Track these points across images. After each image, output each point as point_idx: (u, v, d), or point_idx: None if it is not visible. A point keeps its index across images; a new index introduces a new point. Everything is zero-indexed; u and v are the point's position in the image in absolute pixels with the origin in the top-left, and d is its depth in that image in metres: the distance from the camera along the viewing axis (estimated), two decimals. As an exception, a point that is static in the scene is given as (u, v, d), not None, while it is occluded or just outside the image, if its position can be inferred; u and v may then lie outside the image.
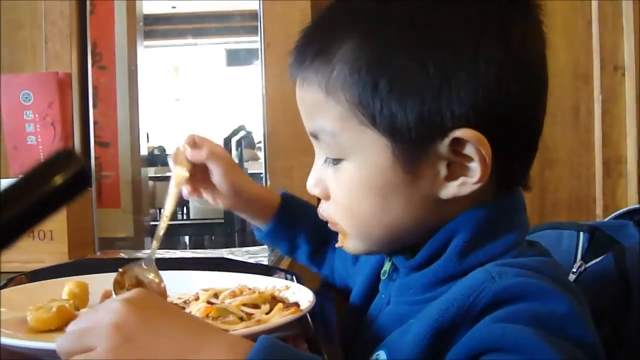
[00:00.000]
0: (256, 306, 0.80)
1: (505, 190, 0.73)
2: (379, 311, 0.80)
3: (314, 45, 0.72)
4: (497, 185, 0.72)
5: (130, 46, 1.82)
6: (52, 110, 1.53)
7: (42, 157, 1.55)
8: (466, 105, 0.67)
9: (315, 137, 0.75)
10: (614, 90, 1.79)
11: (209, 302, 0.83)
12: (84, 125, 1.76)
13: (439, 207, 0.72)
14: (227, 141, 5.66)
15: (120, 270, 0.89)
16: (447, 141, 0.68)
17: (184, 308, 0.91)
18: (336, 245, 0.81)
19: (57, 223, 1.45)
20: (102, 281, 0.97)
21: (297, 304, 0.82)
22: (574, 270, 1.10)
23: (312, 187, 0.78)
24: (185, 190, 1.01)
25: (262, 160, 1.73)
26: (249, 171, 1.91)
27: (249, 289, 0.88)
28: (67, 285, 0.93)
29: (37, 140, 1.54)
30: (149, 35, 2.04)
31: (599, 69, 1.79)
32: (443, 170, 0.69)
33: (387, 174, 0.70)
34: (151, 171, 2.13)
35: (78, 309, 0.90)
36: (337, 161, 0.73)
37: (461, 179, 0.69)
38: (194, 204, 6.45)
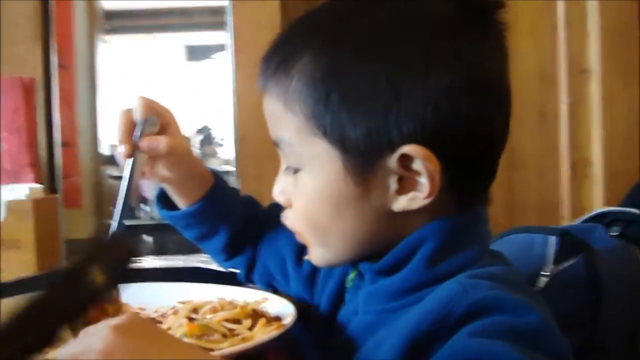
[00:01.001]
0: (237, 321, 0.80)
1: (465, 204, 0.74)
2: (348, 322, 0.81)
3: (277, 57, 0.74)
4: (457, 200, 0.73)
5: (90, 43, 1.79)
6: (18, 117, 1.50)
7: (8, 164, 1.52)
8: (415, 123, 0.68)
9: (277, 145, 0.77)
10: (580, 93, 1.82)
11: (189, 318, 0.82)
12: (48, 127, 1.73)
13: (394, 220, 0.73)
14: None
15: None
16: (395, 156, 0.69)
17: (160, 322, 0.90)
18: (305, 257, 0.84)
19: (24, 232, 1.43)
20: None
21: (279, 318, 0.81)
22: (546, 273, 1.11)
23: (277, 194, 0.80)
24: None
25: (232, 166, 1.71)
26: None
27: (230, 303, 0.88)
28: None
29: (3, 148, 1.51)
30: (109, 31, 2.01)
31: (565, 72, 1.81)
32: (394, 184, 0.71)
33: (339, 185, 0.72)
34: (112, 170, 2.11)
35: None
36: (295, 171, 0.75)
37: (412, 194, 0.70)
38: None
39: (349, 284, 0.84)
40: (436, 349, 0.63)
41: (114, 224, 0.87)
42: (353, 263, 0.81)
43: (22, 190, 1.47)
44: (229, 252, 1.06)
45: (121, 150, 0.91)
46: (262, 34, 1.64)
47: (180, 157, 0.97)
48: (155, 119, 0.94)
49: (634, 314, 1.05)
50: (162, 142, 0.93)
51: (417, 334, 0.65)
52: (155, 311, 0.96)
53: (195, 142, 5.63)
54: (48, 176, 1.73)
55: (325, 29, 0.72)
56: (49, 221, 1.49)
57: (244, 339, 0.74)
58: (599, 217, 1.22)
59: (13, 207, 1.43)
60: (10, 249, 1.43)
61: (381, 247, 0.75)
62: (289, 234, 1.01)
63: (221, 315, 0.79)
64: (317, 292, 0.95)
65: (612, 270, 1.05)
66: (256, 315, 0.81)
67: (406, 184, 0.70)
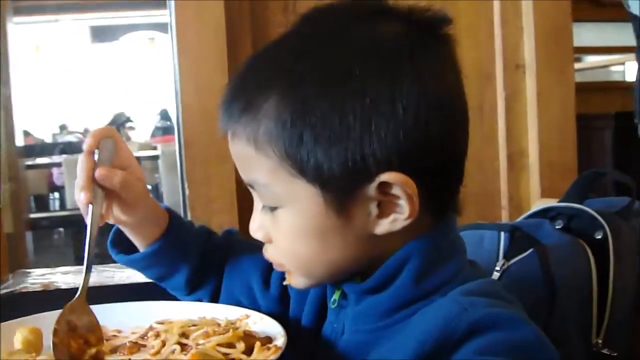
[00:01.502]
0: (230, 344, 0.80)
1: (440, 214, 0.77)
2: (335, 341, 0.83)
3: (239, 101, 0.74)
4: (432, 214, 0.76)
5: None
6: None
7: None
8: (388, 149, 0.70)
9: (251, 187, 0.78)
10: (515, 88, 1.88)
11: (180, 344, 0.82)
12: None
13: (376, 242, 0.75)
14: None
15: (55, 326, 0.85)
16: (374, 185, 0.71)
17: (144, 345, 0.90)
18: (284, 283, 0.85)
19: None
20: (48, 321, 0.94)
21: (269, 339, 0.82)
22: (497, 269, 1.15)
23: (255, 232, 0.81)
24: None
25: (179, 169, 1.69)
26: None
27: (213, 321, 0.88)
28: (19, 333, 0.89)
29: None
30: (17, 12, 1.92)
31: (501, 68, 1.87)
32: (374, 210, 0.73)
33: (321, 219, 0.73)
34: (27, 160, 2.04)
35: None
36: (273, 209, 0.76)
37: (392, 216, 0.73)
38: (71, 190, 6.16)
39: (333, 305, 0.85)
40: None
41: (85, 267, 0.88)
42: (335, 283, 0.84)
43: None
44: (191, 287, 1.04)
45: (81, 197, 0.89)
46: (207, 39, 1.61)
47: (135, 195, 0.94)
48: (112, 142, 0.92)
49: (585, 307, 1.10)
50: (117, 175, 0.90)
51: (420, 354, 0.67)
52: (133, 332, 0.96)
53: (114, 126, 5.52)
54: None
55: (285, 69, 0.73)
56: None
57: (245, 366, 0.75)
58: (544, 212, 1.27)
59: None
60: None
61: (363, 267, 0.78)
62: (251, 258, 1.02)
63: (215, 340, 0.80)
64: (293, 310, 0.95)
65: (563, 265, 1.09)
66: (248, 337, 0.81)
67: (385, 207, 0.73)
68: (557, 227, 1.21)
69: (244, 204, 1.66)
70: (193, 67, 1.62)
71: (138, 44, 9.41)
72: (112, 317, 0.98)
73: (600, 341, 1.10)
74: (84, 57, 9.18)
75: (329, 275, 0.79)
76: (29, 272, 1.53)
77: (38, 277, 1.31)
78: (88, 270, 0.89)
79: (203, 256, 1.03)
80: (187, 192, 1.65)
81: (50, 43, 8.73)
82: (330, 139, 0.69)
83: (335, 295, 0.84)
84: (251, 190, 0.79)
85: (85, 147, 0.90)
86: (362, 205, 0.72)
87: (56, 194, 7.60)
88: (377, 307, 0.77)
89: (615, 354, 1.09)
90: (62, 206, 7.14)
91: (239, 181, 1.65)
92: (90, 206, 0.89)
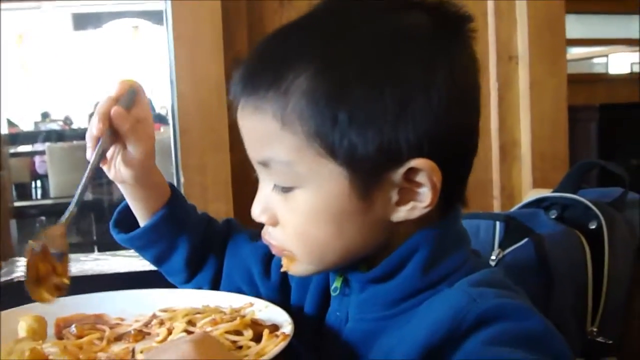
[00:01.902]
0: (238, 332, 0.81)
1: (448, 205, 0.77)
2: (339, 329, 0.82)
3: (266, 76, 0.72)
4: (443, 204, 0.76)
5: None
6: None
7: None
8: (421, 135, 0.70)
9: (265, 165, 0.75)
10: (508, 79, 1.89)
11: (187, 332, 0.82)
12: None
13: (389, 229, 0.75)
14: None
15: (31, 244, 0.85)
16: (401, 170, 0.71)
17: (148, 333, 0.90)
18: (281, 270, 0.82)
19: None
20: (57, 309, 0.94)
21: (276, 327, 0.83)
22: (493, 258, 1.16)
23: (259, 214, 0.78)
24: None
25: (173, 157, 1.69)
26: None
27: (222, 311, 0.88)
28: (22, 321, 0.89)
29: None
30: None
31: (494, 59, 1.88)
32: (395, 197, 0.72)
33: (342, 201, 0.72)
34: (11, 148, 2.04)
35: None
36: (288, 189, 0.74)
37: (411, 204, 0.73)
38: (55, 179, 6.07)
39: (334, 293, 0.84)
40: (449, 356, 0.67)
41: (74, 200, 0.88)
42: (338, 271, 0.83)
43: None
44: (190, 270, 1.04)
45: (94, 130, 0.89)
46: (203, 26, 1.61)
47: (141, 149, 0.94)
48: (134, 92, 0.93)
49: (580, 294, 1.12)
50: (129, 121, 0.91)
51: (430, 344, 0.68)
52: (136, 320, 0.96)
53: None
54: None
55: (320, 49, 0.72)
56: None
57: (258, 354, 0.75)
58: (537, 202, 1.28)
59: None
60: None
61: (370, 255, 0.77)
62: (251, 246, 1.02)
63: (223, 327, 0.80)
64: (295, 298, 0.95)
65: (559, 254, 1.10)
66: (255, 325, 0.82)
67: (405, 194, 0.73)
68: (551, 217, 1.22)
69: (239, 192, 1.66)
70: (188, 56, 1.62)
71: (122, 31, 9.33)
72: (114, 305, 0.98)
73: (595, 329, 1.11)
74: (67, 45, 9.09)
75: (338, 261, 0.77)
76: (18, 260, 1.53)
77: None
78: (77, 204, 0.88)
79: (203, 237, 1.03)
80: (182, 180, 1.65)
81: (33, 31, 8.65)
82: (367, 121, 0.69)
83: (337, 283, 0.84)
84: (261, 169, 0.77)
85: (112, 93, 0.92)
86: (385, 190, 0.72)
87: (38, 182, 7.54)
88: (384, 296, 0.77)
89: (610, 342, 1.10)
90: (45, 195, 7.10)
91: (234, 169, 1.68)
92: (99, 140, 0.89)
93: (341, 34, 0.72)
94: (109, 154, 0.93)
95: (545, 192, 1.29)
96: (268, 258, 1.00)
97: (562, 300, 1.09)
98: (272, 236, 0.79)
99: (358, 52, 0.71)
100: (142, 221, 1.01)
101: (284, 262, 0.80)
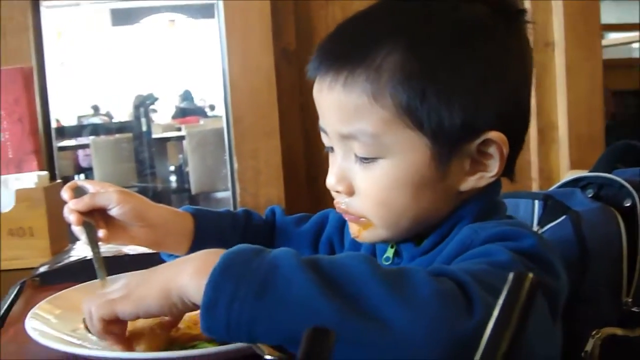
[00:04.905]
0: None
1: (496, 181, 0.84)
2: None
3: (356, 52, 0.79)
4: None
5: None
6: (19, 107, 1.54)
7: (10, 153, 1.56)
8: (497, 109, 0.78)
9: (348, 137, 0.81)
10: (545, 65, 1.94)
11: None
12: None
13: (455, 198, 0.82)
14: (137, 108, 5.51)
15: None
16: (478, 141, 0.78)
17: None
18: (352, 236, 0.87)
19: (37, 219, 1.47)
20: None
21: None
22: (532, 234, 1.22)
23: (335, 184, 0.83)
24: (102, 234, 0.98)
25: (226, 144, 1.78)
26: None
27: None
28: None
29: (4, 137, 1.55)
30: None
31: (531, 45, 1.93)
32: (467, 166, 0.80)
33: (423, 170, 0.79)
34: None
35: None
36: (370, 160, 0.80)
37: (479, 174, 0.80)
38: (99, 171, 6.17)
39: (387, 262, 0.89)
40: None
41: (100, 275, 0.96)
42: (400, 240, 0.87)
43: (30, 178, 1.51)
44: None
45: (71, 220, 0.97)
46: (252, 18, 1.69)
47: (128, 213, 0.98)
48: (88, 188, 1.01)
49: (615, 268, 1.17)
50: (110, 192, 0.98)
51: None
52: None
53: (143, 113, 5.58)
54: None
55: (410, 30, 0.79)
56: (57, 207, 1.54)
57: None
58: (574, 182, 1.33)
59: (23, 195, 1.48)
60: (24, 236, 1.48)
61: (435, 223, 0.83)
62: (298, 230, 1.08)
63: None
64: None
65: (595, 230, 1.15)
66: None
67: (474, 165, 0.80)
68: (588, 195, 1.27)
69: (289, 176, 1.75)
70: (239, 48, 1.70)
71: (158, 26, 9.44)
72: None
73: (630, 300, 1.16)
74: (105, 41, 9.23)
75: (411, 227, 0.83)
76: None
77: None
78: (102, 273, 0.97)
79: (243, 236, 1.06)
80: (235, 165, 1.73)
81: (73, 27, 8.79)
82: (453, 96, 0.76)
83: (389, 253, 0.89)
84: (339, 142, 0.82)
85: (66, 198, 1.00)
86: (461, 160, 0.79)
87: (82, 176, 7.71)
88: (425, 262, 0.83)
89: (644, 311, 1.16)
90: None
91: (284, 155, 1.75)
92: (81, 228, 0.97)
93: (427, 18, 0.80)
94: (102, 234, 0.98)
95: (582, 173, 1.34)
96: (315, 240, 1.06)
97: (597, 272, 1.13)
98: (349, 205, 0.84)
99: (443, 34, 0.79)
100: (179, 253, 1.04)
101: (355, 229, 0.85)
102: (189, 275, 0.68)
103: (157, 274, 0.72)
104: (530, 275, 0.40)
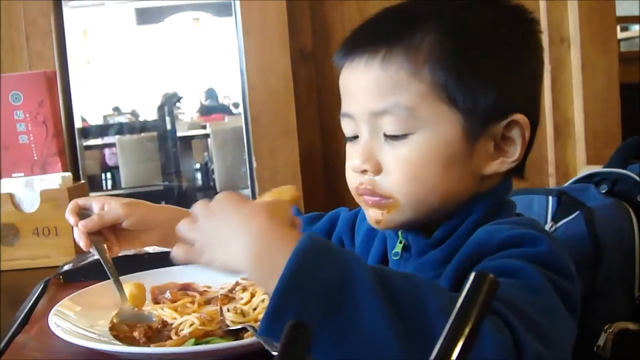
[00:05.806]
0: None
1: (507, 176, 0.88)
2: None
3: (398, 31, 0.84)
4: (503, 175, 0.87)
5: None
6: (43, 109, 1.58)
7: (35, 154, 1.60)
8: (522, 93, 0.85)
9: (381, 114, 0.83)
10: (561, 61, 1.95)
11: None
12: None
13: (479, 183, 0.86)
14: (162, 107, 5.54)
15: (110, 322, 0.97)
16: (504, 123, 0.83)
17: (233, 298, 1.02)
18: (375, 222, 0.87)
19: (62, 219, 1.51)
20: (150, 279, 1.07)
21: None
22: (546, 230, 1.23)
23: (362, 163, 0.85)
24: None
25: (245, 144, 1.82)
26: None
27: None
28: (125, 287, 1.02)
29: (29, 139, 1.59)
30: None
31: (547, 42, 1.94)
32: (491, 149, 0.84)
33: (453, 146, 0.82)
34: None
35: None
36: (400, 137, 0.82)
37: (501, 159, 0.84)
38: (125, 170, 6.24)
39: (396, 257, 0.92)
40: None
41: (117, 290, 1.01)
42: (416, 227, 0.88)
43: (55, 179, 1.56)
44: None
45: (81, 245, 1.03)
46: (269, 19, 1.72)
47: (137, 220, 1.05)
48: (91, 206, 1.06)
49: (628, 263, 1.18)
50: (115, 208, 1.04)
51: (458, 276, 0.79)
52: (221, 287, 1.08)
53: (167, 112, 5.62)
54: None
55: (447, 15, 0.85)
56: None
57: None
58: (588, 178, 1.34)
59: (48, 196, 1.52)
60: (49, 236, 1.52)
61: (456, 208, 0.86)
62: (311, 229, 1.11)
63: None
64: None
65: (607, 225, 1.16)
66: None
67: (496, 150, 0.85)
68: (602, 191, 1.28)
69: (306, 174, 1.78)
70: (257, 49, 1.74)
71: (183, 24, 9.49)
72: (201, 275, 1.08)
73: (642, 294, 1.18)
74: (130, 39, 9.29)
75: (434, 210, 0.84)
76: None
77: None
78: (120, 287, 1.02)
79: None
80: (254, 164, 1.76)
81: (98, 26, 8.85)
82: (486, 77, 0.82)
83: (398, 248, 0.91)
84: (367, 122, 0.85)
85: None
86: (486, 142, 0.84)
87: (108, 175, 7.78)
88: (437, 256, 0.86)
89: (656, 305, 1.17)
90: (115, 186, 7.32)
91: (302, 154, 1.78)
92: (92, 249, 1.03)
93: (462, 8, 0.86)
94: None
95: (597, 168, 1.35)
96: (329, 237, 1.09)
97: (610, 267, 1.15)
98: (376, 185, 0.85)
99: (477, 23, 0.85)
100: None
101: (377, 214, 0.86)
102: (244, 258, 0.68)
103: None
104: (491, 276, 0.41)
